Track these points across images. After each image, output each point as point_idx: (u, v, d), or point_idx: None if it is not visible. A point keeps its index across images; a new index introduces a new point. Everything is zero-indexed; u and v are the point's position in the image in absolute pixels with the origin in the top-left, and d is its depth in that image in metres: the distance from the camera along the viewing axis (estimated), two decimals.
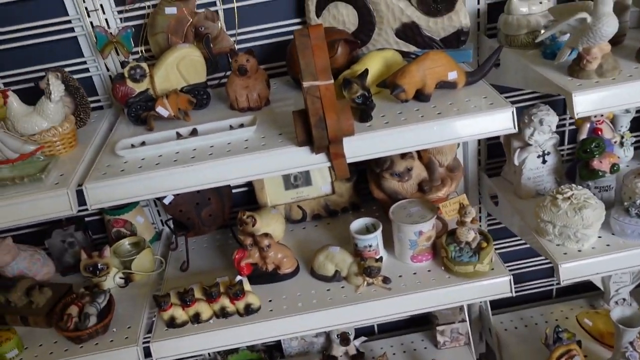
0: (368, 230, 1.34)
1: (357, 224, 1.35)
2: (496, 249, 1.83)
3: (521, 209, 1.42)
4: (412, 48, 1.32)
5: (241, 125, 1.14)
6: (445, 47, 1.30)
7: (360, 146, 1.04)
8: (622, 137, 1.51)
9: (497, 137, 1.51)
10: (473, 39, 1.44)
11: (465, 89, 1.15)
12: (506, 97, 1.54)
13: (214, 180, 1.03)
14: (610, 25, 1.05)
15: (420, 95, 1.11)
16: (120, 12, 1.34)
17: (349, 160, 1.04)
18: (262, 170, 1.04)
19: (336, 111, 0.98)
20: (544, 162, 1.43)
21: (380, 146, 1.04)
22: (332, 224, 1.52)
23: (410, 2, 1.28)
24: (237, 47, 1.38)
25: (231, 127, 1.14)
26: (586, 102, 1.06)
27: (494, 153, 1.64)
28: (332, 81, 0.98)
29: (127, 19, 1.35)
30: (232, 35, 1.37)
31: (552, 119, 1.36)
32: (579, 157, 1.38)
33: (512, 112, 1.04)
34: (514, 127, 1.05)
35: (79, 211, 1.06)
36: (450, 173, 1.41)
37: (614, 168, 1.33)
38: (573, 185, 1.27)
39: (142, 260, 1.40)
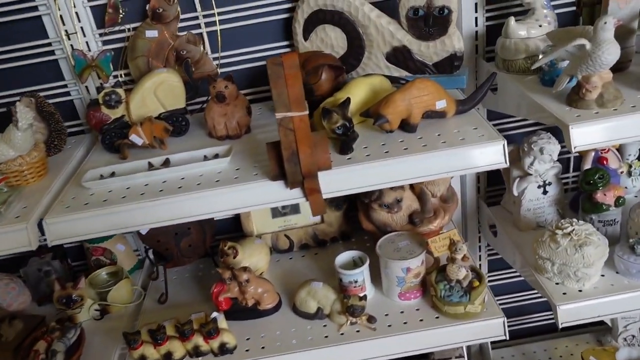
0: (355, 264, 1.27)
1: (343, 257, 1.27)
2: (498, 279, 1.75)
3: (520, 242, 1.34)
4: (403, 73, 1.26)
5: (216, 156, 1.08)
6: (438, 73, 1.23)
7: (338, 181, 0.97)
8: (630, 167, 1.42)
9: None
10: (471, 63, 1.37)
11: (455, 118, 1.08)
12: (505, 123, 1.49)
13: (180, 215, 0.97)
14: (610, 52, 0.98)
15: (406, 126, 1.04)
16: (101, 34, 1.30)
17: (326, 196, 0.97)
18: (233, 205, 0.97)
19: (310, 144, 0.92)
20: (545, 192, 1.35)
21: (359, 181, 0.97)
22: (320, 254, 1.45)
23: (401, 25, 1.21)
24: (220, 71, 1.33)
25: (206, 158, 1.08)
26: (585, 134, 0.98)
27: (495, 180, 1.56)
28: (307, 112, 0.92)
29: (107, 42, 1.30)
30: (215, 59, 1.32)
31: (553, 147, 1.28)
32: (582, 189, 1.29)
33: (503, 146, 0.97)
34: (505, 162, 0.98)
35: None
36: (444, 204, 1.33)
37: (619, 201, 1.24)
38: (574, 219, 1.19)
39: (119, 291, 1.34)
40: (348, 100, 1.02)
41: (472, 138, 0.99)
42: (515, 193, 1.36)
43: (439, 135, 1.02)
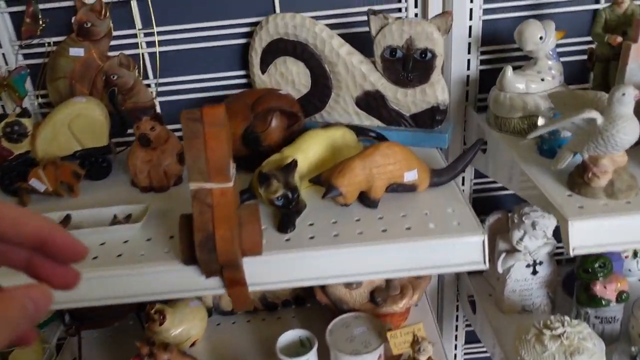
0: (302, 344, 1.06)
1: (288, 336, 1.06)
2: (477, 352, 1.54)
3: (500, 328, 1.13)
4: (375, 122, 1.05)
5: (128, 217, 0.87)
6: (416, 126, 1.02)
7: (269, 270, 0.76)
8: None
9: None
10: (459, 111, 1.16)
11: (428, 192, 0.87)
12: (494, 181, 1.28)
13: (60, 301, 0.75)
14: (627, 132, 0.77)
15: (366, 200, 0.83)
16: (21, 46, 1.09)
17: (253, 288, 0.76)
18: (132, 292, 0.76)
19: (232, 226, 0.70)
20: (535, 273, 1.14)
21: (295, 273, 0.76)
22: (268, 320, 1.24)
23: (375, 66, 1.00)
24: (160, 100, 1.12)
25: (115, 218, 0.87)
26: (587, 233, 0.77)
27: None
28: (231, 184, 0.71)
29: (27, 57, 1.09)
30: (154, 87, 1.11)
31: (548, 222, 1.07)
32: (578, 276, 1.09)
33: (483, 242, 0.76)
34: (484, 263, 0.76)
35: None
36: (414, 279, 1.12)
37: (622, 297, 1.03)
38: (566, 318, 0.98)
39: (23, 351, 1.13)
40: (294, 163, 0.81)
41: (445, 225, 0.78)
42: (500, 270, 1.15)
43: (403, 216, 0.81)
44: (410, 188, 0.85)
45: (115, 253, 0.79)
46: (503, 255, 1.14)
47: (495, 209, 1.27)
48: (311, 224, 0.81)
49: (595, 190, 0.80)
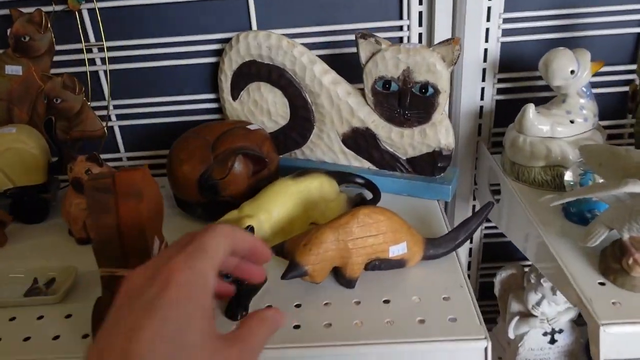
0: None
1: None
2: None
3: None
4: (365, 164, 0.87)
5: (51, 281, 0.71)
6: (414, 172, 0.85)
7: None
8: None
9: (492, 276, 1.05)
10: (470, 149, 0.98)
11: (421, 264, 0.69)
12: None
13: None
14: None
15: (340, 278, 0.66)
16: None
17: None
18: None
19: None
20: (553, 342, 0.96)
21: None
22: None
23: (367, 100, 0.82)
24: (118, 124, 0.96)
25: (35, 283, 0.71)
26: (624, 342, 0.59)
27: (488, 294, 1.17)
28: None
29: None
30: (103, 112, 0.95)
31: None
32: None
33: (486, 349, 0.58)
34: None
35: None
36: None
37: None
38: None
39: None
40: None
41: (437, 320, 0.61)
42: (512, 336, 0.97)
43: (386, 302, 0.64)
44: (397, 264, 0.67)
45: (23, 333, 0.63)
46: (516, 319, 0.96)
47: (508, 258, 1.09)
48: (269, 306, 0.64)
49: (635, 282, 0.62)
